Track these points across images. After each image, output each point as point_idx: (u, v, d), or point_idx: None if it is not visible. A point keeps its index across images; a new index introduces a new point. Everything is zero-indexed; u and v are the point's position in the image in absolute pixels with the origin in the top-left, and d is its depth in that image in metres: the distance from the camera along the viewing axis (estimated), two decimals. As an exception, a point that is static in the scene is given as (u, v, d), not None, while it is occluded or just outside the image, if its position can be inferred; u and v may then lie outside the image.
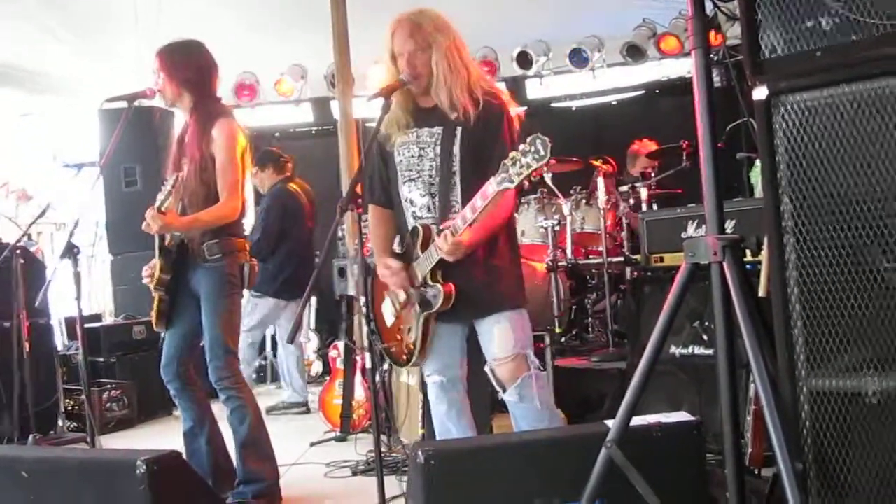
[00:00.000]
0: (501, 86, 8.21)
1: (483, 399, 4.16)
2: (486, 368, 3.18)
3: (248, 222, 4.89)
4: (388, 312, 3.33)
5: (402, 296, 3.20)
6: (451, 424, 3.35)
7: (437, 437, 3.38)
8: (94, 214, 7.46)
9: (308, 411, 6.49)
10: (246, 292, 4.58)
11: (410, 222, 3.21)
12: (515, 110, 3.17)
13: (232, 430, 3.83)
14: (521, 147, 2.67)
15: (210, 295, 3.76)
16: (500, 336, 3.11)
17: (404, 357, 3.27)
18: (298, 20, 7.54)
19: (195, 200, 3.71)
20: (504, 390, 3.15)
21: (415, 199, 3.18)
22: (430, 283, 3.09)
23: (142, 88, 3.83)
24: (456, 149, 3.09)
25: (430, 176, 3.14)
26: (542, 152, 2.63)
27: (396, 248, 3.29)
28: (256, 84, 8.78)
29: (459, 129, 3.08)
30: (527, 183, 2.76)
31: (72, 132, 8.63)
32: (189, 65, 3.80)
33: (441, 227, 3.00)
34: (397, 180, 3.23)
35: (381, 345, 3.36)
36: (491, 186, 2.77)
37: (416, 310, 3.15)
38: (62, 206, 4.10)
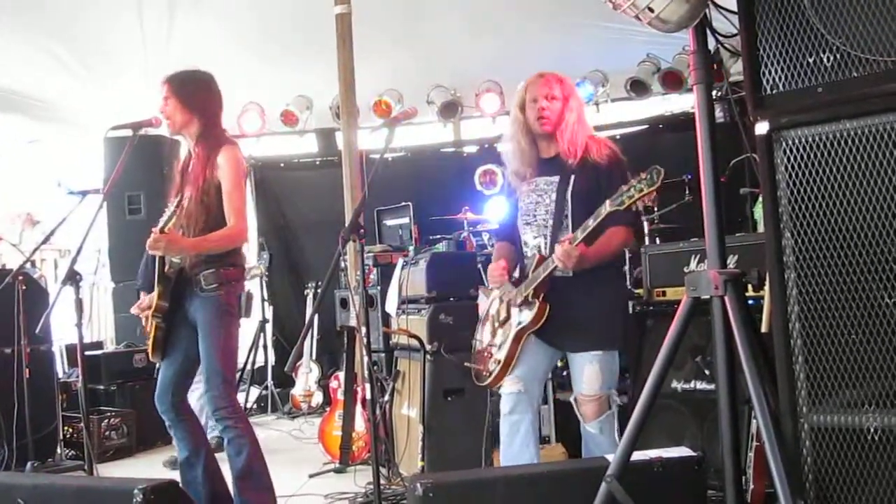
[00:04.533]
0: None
1: (484, 432, 4.14)
2: (572, 399, 3.37)
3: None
4: (486, 332, 3.53)
5: (503, 314, 3.40)
6: (517, 447, 3.30)
7: (505, 457, 3.33)
8: (97, 242, 7.48)
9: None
10: None
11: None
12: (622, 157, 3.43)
13: (229, 460, 3.80)
14: (640, 175, 2.87)
15: (207, 325, 3.74)
16: (590, 376, 3.27)
17: (485, 374, 3.41)
18: (305, 52, 7.62)
19: (195, 226, 3.72)
20: (585, 421, 3.32)
21: (528, 240, 3.46)
22: (529, 299, 3.27)
23: (147, 117, 3.86)
24: (569, 194, 3.33)
25: (545, 220, 3.39)
26: (654, 179, 2.82)
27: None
28: (262, 114, 8.81)
29: (573, 176, 3.32)
30: (641, 209, 2.94)
31: (77, 159, 8.65)
32: (201, 94, 3.84)
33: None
34: (518, 223, 3.52)
35: (469, 363, 3.59)
36: (604, 208, 2.98)
37: (509, 325, 3.33)
38: (64, 232, 4.08)
